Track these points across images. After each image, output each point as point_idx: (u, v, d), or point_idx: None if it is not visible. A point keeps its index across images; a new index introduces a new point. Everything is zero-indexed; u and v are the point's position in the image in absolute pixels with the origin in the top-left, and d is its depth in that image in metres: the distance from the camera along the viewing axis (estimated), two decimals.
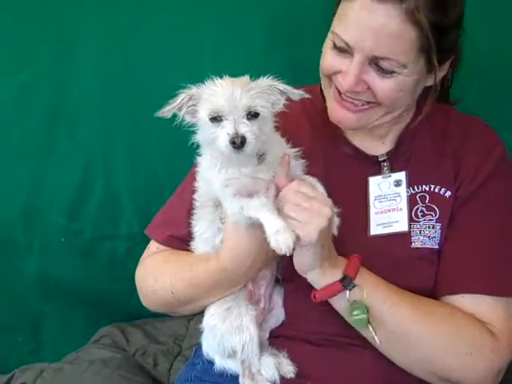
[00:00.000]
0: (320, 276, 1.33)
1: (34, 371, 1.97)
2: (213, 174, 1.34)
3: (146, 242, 1.70)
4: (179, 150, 1.83)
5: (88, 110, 2.08)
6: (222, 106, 1.23)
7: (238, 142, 1.20)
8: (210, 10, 1.99)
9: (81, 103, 2.07)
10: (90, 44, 2.03)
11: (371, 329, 1.31)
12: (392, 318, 1.34)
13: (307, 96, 1.33)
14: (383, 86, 1.33)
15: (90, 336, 2.25)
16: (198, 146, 1.37)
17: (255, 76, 1.33)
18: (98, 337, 2.23)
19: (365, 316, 1.30)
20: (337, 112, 1.44)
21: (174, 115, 1.30)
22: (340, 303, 1.35)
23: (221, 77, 1.30)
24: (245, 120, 1.22)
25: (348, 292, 1.31)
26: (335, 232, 1.33)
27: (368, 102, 1.38)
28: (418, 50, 1.29)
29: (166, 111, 1.28)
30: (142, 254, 1.70)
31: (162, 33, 2.02)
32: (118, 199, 2.18)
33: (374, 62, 1.31)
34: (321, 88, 1.61)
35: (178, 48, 2.03)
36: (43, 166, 2.12)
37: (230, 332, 1.37)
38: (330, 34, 1.39)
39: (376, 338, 1.32)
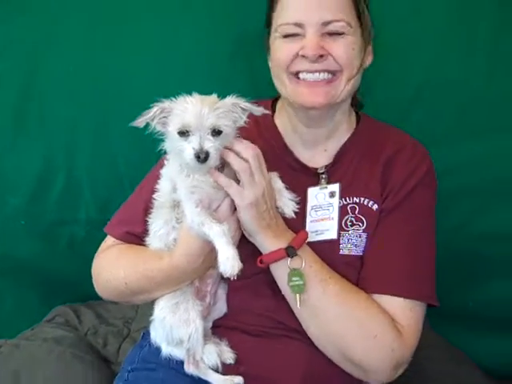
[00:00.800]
0: (266, 242, 1.45)
1: None
2: (180, 178, 1.44)
3: (103, 226, 1.74)
4: (140, 143, 1.90)
5: (54, 99, 2.10)
6: (190, 122, 1.34)
7: (202, 157, 1.33)
8: (177, 20, 2.04)
9: (48, 93, 2.10)
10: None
11: (298, 296, 1.45)
12: (318, 292, 1.45)
13: (267, 112, 1.46)
14: (338, 46, 1.48)
15: (44, 314, 2.29)
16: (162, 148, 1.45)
17: (218, 82, 1.40)
18: (52, 316, 2.27)
19: (302, 282, 1.44)
20: (304, 95, 1.51)
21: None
22: (281, 271, 1.47)
23: (187, 89, 1.39)
24: (209, 136, 1.34)
25: (289, 259, 1.44)
26: (278, 203, 1.47)
27: (329, 74, 1.49)
28: (354, 12, 1.48)
29: (140, 122, 1.38)
30: (99, 238, 1.74)
31: (132, 33, 2.06)
32: (79, 186, 2.21)
33: (324, 32, 1.46)
34: (272, 101, 1.74)
35: (147, 53, 2.08)
36: (7, 152, 2.14)
37: (178, 324, 1.47)
38: (275, 34, 1.54)
39: (298, 303, 1.45)
